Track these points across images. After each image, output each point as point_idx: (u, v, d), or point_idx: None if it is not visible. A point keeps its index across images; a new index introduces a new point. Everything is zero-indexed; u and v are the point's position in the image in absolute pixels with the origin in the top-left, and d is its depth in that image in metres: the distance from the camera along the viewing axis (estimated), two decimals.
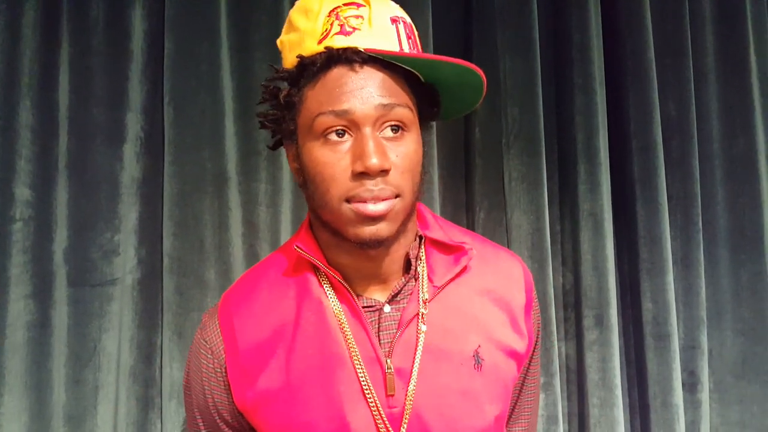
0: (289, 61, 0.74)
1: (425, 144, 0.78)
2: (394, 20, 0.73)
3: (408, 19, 0.76)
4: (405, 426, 0.74)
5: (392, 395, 0.74)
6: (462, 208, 1.33)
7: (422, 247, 0.80)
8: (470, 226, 1.32)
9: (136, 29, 1.17)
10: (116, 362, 1.15)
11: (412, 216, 0.77)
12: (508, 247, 1.26)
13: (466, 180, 1.33)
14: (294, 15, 0.76)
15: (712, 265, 1.43)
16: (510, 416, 0.89)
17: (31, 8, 1.12)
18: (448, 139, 1.31)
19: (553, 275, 1.29)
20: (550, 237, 1.29)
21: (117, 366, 1.15)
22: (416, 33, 0.77)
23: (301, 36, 0.73)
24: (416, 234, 0.80)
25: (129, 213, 1.16)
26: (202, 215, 1.18)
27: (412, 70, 0.73)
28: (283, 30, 0.77)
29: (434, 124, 1.25)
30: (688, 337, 1.39)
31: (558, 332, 1.32)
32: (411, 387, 0.74)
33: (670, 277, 1.34)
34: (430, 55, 0.73)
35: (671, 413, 1.32)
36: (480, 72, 0.73)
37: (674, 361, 1.32)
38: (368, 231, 0.70)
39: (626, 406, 1.37)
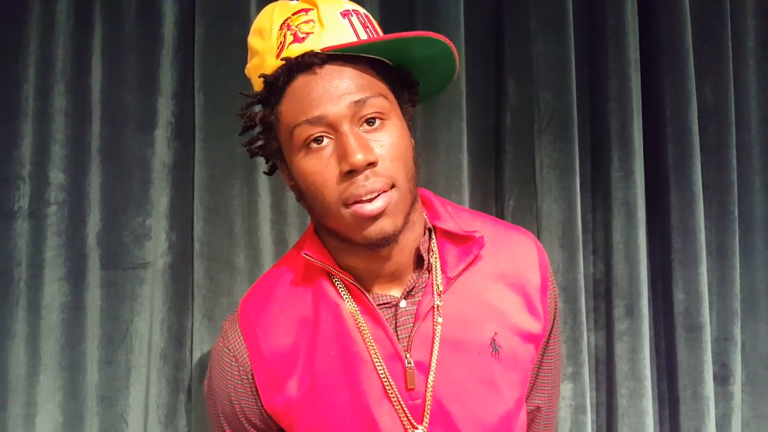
0: (257, 84, 0.74)
1: (412, 129, 0.77)
2: (344, 14, 0.72)
3: (361, 10, 0.76)
4: (428, 417, 0.75)
5: (413, 389, 0.75)
6: (491, 196, 1.32)
7: (433, 238, 0.80)
8: (500, 213, 1.30)
9: (167, 15, 1.17)
10: (147, 344, 1.17)
11: (416, 206, 0.76)
12: (538, 236, 1.25)
13: (495, 167, 1.31)
14: (251, 40, 0.76)
15: (748, 255, 1.40)
16: (531, 390, 0.90)
17: None
18: (478, 125, 1.30)
19: (584, 264, 1.27)
20: (582, 226, 1.27)
21: (148, 348, 1.17)
22: (373, 21, 0.76)
23: (261, 57, 0.73)
24: (425, 226, 0.80)
25: (160, 198, 1.17)
26: (232, 200, 1.18)
27: (378, 57, 0.72)
28: (248, 58, 0.77)
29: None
30: (721, 328, 1.36)
31: (588, 322, 1.30)
32: (431, 379, 0.75)
33: (704, 268, 1.31)
34: (386, 36, 0.72)
35: (702, 405, 1.30)
36: (442, 38, 0.71)
37: (705, 352, 1.30)
38: (373, 231, 0.70)
39: (655, 397, 1.35)
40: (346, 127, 0.68)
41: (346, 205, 0.69)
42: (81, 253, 1.14)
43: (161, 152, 1.17)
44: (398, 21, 1.24)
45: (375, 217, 0.69)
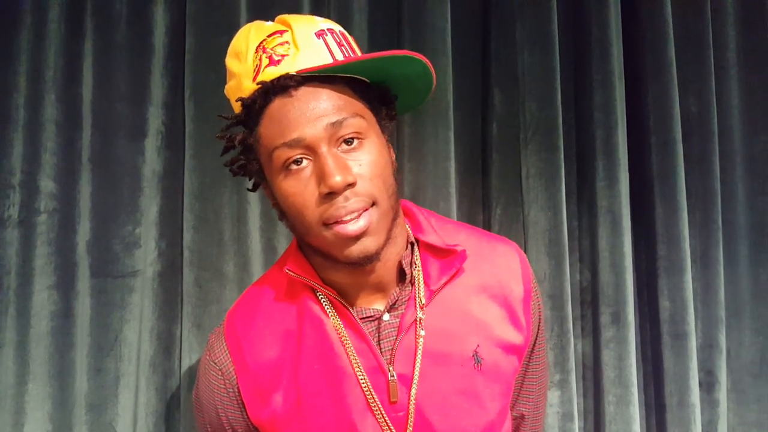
0: (236, 106, 0.75)
1: (393, 143, 0.78)
2: (319, 34, 0.73)
3: (337, 28, 0.76)
4: (410, 429, 0.76)
5: (395, 402, 0.75)
6: (478, 204, 1.33)
7: (416, 251, 0.81)
8: (486, 222, 1.32)
9: (158, 24, 1.18)
10: (137, 352, 1.17)
11: (397, 221, 0.77)
12: (524, 244, 1.27)
13: (482, 176, 1.33)
14: (228, 62, 0.77)
15: (732, 263, 1.41)
16: (516, 398, 0.91)
17: (56, 3, 1.14)
18: (465, 135, 1.31)
19: (570, 272, 1.28)
20: (568, 234, 1.28)
21: (137, 356, 1.17)
22: (349, 38, 0.77)
23: (238, 80, 0.74)
24: (407, 240, 0.81)
25: (150, 206, 1.18)
26: (222, 209, 1.19)
27: (354, 75, 0.73)
28: (227, 79, 0.78)
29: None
30: (706, 336, 1.38)
31: (574, 329, 1.31)
32: (413, 391, 0.76)
33: (689, 276, 1.32)
34: (360, 57, 0.73)
35: (688, 412, 1.31)
36: (417, 56, 0.72)
37: (691, 360, 1.31)
38: (356, 250, 0.71)
39: (642, 404, 1.36)
40: (323, 149, 0.69)
41: (327, 225, 0.70)
42: (71, 261, 1.14)
43: (151, 161, 1.18)
44: (386, 32, 1.26)
45: (357, 237, 0.70)
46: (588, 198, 1.32)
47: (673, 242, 1.32)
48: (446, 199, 1.23)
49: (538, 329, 0.88)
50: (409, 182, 1.24)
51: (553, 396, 1.26)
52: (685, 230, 1.33)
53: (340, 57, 0.73)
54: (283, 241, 1.22)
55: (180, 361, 1.18)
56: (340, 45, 0.74)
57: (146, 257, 1.18)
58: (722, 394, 1.37)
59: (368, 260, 0.72)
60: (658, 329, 1.35)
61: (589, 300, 1.33)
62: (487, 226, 1.31)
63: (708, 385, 1.37)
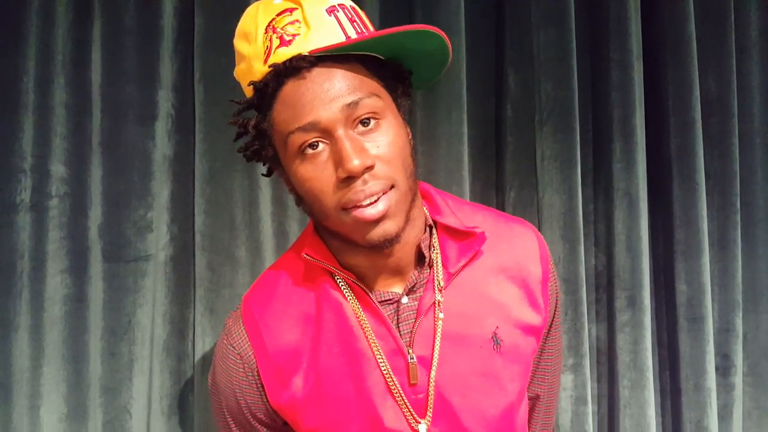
0: (248, 90, 0.73)
1: (408, 122, 0.76)
2: (330, 11, 0.70)
3: (348, 3, 0.74)
4: (431, 411, 0.76)
5: (415, 384, 0.75)
6: (492, 188, 1.31)
7: (434, 234, 0.80)
8: (500, 205, 1.30)
9: (167, 6, 1.16)
10: (150, 336, 1.17)
11: (416, 203, 0.76)
12: (539, 228, 1.25)
13: (496, 158, 1.31)
14: (237, 43, 0.74)
15: (750, 246, 1.39)
16: (531, 379, 0.91)
17: None
18: (479, 116, 1.29)
19: (585, 256, 1.27)
20: (583, 217, 1.26)
21: (151, 340, 1.17)
22: (361, 13, 0.74)
23: (248, 63, 0.72)
24: (425, 222, 0.80)
25: (161, 190, 1.18)
26: (233, 193, 1.18)
27: (367, 53, 0.71)
28: (236, 61, 0.76)
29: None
30: (723, 320, 1.36)
31: (589, 313, 1.30)
32: (433, 373, 0.75)
33: (706, 259, 1.30)
34: (374, 33, 0.70)
35: (703, 396, 1.30)
36: (432, 29, 0.70)
37: (708, 343, 1.30)
38: (376, 234, 0.70)
39: (657, 388, 1.35)
40: (340, 132, 0.67)
41: (346, 209, 0.69)
42: (83, 245, 1.15)
43: (162, 144, 1.17)
44: (397, 10, 1.23)
45: (377, 221, 0.69)
46: (604, 180, 1.30)
47: (690, 225, 1.30)
48: (459, 182, 1.21)
49: (555, 311, 0.88)
50: (421, 165, 1.22)
51: (567, 380, 1.26)
52: (703, 212, 1.31)
53: (352, 34, 0.70)
54: (295, 226, 1.21)
55: (193, 345, 1.18)
56: (352, 21, 0.71)
57: (158, 241, 1.18)
58: (738, 378, 1.36)
59: (389, 243, 0.71)
60: (674, 313, 1.33)
61: (605, 284, 1.32)
62: (500, 210, 1.29)
63: (724, 369, 1.36)
